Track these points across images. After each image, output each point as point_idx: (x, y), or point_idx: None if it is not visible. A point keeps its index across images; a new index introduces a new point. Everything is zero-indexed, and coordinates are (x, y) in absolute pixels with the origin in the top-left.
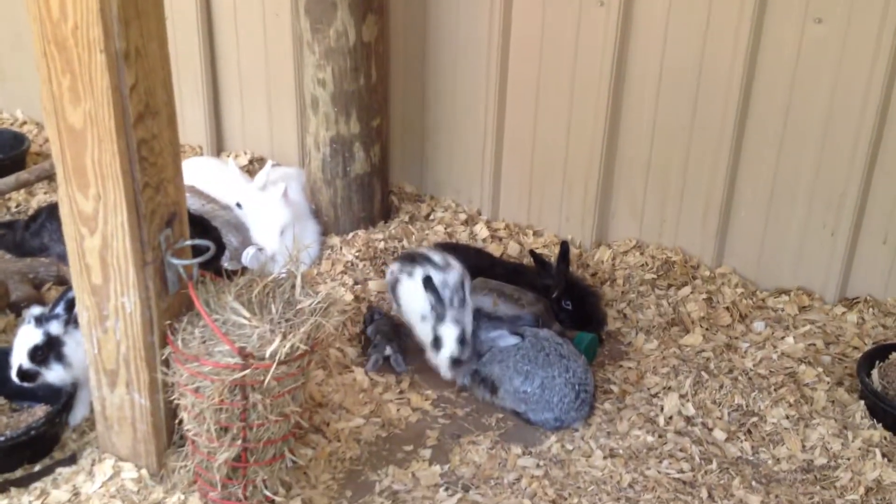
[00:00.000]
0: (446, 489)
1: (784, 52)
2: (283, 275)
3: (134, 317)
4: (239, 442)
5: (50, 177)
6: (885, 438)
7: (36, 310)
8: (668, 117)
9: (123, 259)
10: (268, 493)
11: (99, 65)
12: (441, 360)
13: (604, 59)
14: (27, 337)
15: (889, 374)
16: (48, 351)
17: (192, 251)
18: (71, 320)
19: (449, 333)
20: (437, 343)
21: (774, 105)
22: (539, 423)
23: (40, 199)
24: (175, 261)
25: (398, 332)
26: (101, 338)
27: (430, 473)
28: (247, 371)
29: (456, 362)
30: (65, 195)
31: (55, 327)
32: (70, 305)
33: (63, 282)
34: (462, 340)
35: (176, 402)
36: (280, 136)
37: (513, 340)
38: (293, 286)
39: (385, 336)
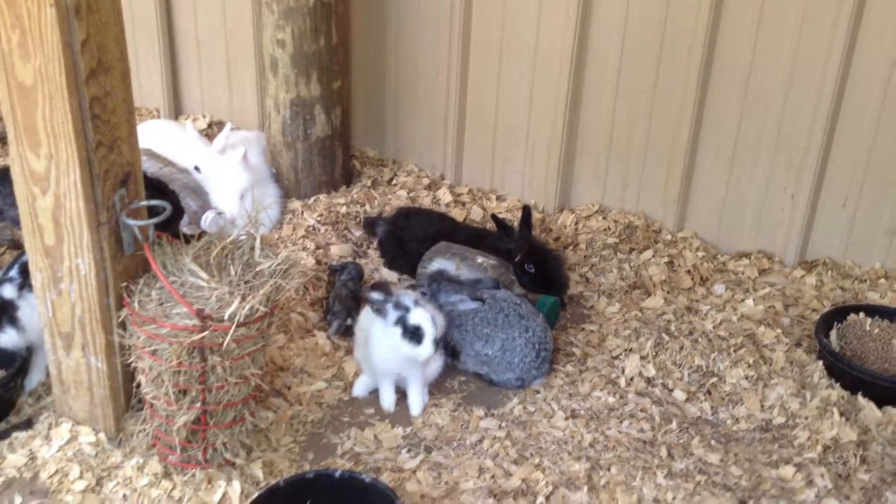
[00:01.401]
0: (409, 451)
1: (746, 15)
2: (243, 237)
3: (89, 278)
4: (198, 405)
5: (3, 139)
6: (843, 398)
7: None
8: (631, 82)
9: (77, 219)
10: (228, 456)
11: (49, 19)
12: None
13: (567, 24)
14: None
15: (847, 335)
16: (1, 315)
17: (148, 212)
18: (25, 284)
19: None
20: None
21: (736, 69)
22: (501, 384)
23: None
24: (130, 221)
25: (357, 300)
26: (56, 300)
27: (393, 436)
28: (205, 333)
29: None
30: (16, 155)
31: (8, 291)
32: (24, 269)
33: (18, 246)
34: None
35: (133, 365)
36: (239, 98)
37: (473, 305)
38: (252, 248)
39: (343, 303)
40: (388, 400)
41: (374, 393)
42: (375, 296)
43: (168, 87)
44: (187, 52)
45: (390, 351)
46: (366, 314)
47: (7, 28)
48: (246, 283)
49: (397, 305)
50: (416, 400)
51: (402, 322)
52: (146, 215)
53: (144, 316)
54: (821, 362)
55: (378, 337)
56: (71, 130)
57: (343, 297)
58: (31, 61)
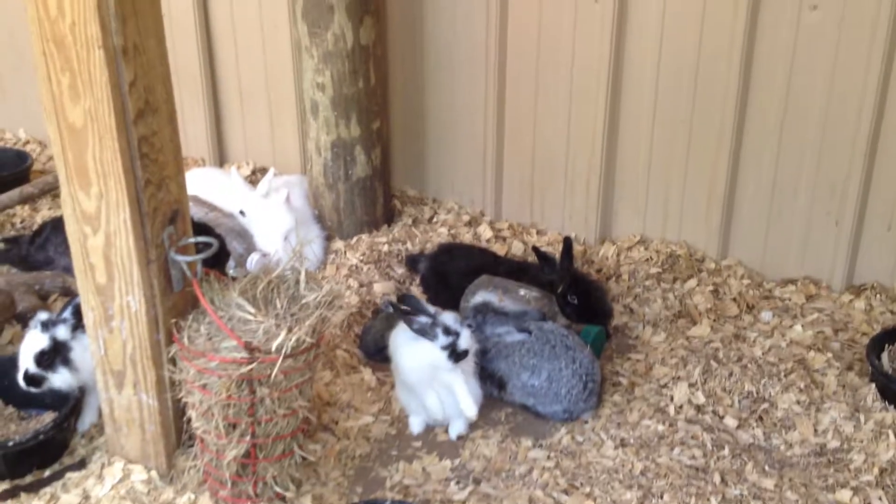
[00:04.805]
0: (457, 483)
1: (781, 40)
2: (288, 272)
3: (139, 315)
4: (248, 438)
5: (53, 190)
6: None
7: (43, 315)
8: (668, 111)
9: (127, 257)
10: (278, 490)
11: (97, 61)
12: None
13: (601, 56)
14: (34, 342)
15: None
16: (54, 356)
17: (195, 251)
18: (79, 325)
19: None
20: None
21: (774, 94)
22: (548, 416)
23: (44, 214)
24: (179, 257)
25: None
26: (107, 338)
27: (441, 468)
28: (253, 365)
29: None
30: (67, 195)
31: (62, 332)
32: (77, 311)
33: (68, 293)
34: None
35: (184, 400)
36: (282, 144)
37: (520, 337)
38: (297, 282)
39: (365, 346)
40: (435, 407)
41: (426, 427)
42: (423, 320)
43: (212, 137)
44: (230, 103)
45: (426, 365)
46: (393, 344)
47: (57, 71)
48: (292, 315)
49: (447, 331)
50: (468, 399)
51: (451, 346)
52: (194, 252)
53: (194, 350)
54: (873, 385)
55: (412, 352)
56: (120, 169)
57: (367, 341)
58: (80, 103)
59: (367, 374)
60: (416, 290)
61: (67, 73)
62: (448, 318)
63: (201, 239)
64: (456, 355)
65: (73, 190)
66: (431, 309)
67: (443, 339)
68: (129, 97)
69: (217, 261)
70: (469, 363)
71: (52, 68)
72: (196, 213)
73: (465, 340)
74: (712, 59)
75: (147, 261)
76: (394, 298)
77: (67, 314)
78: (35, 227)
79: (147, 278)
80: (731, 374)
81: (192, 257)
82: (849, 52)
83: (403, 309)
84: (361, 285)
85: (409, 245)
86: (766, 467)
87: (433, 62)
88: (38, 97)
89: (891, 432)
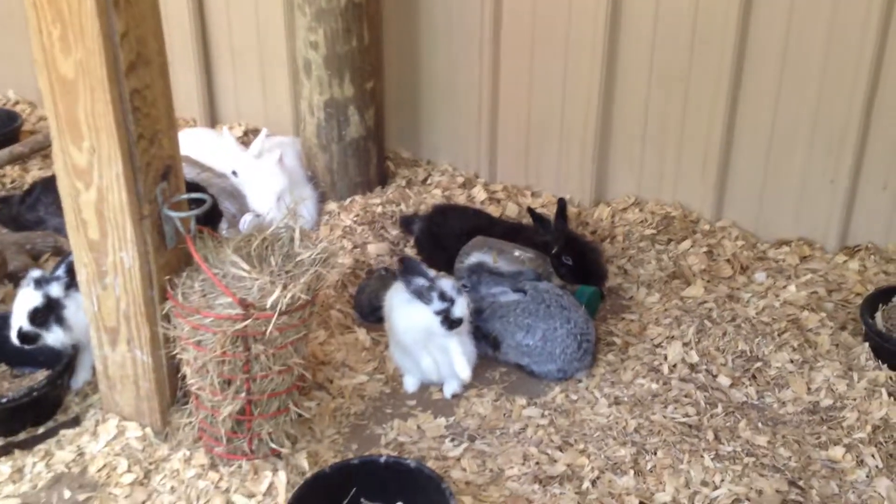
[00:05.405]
0: (452, 440)
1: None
2: (282, 230)
3: (133, 272)
4: (243, 394)
5: (43, 149)
6: (891, 378)
7: (36, 272)
8: (664, 71)
9: (120, 212)
10: (274, 446)
11: (89, 12)
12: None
13: (598, 15)
14: (27, 299)
15: (892, 316)
16: (48, 313)
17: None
18: (72, 283)
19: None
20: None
21: (770, 53)
22: (542, 375)
23: (35, 174)
24: (172, 213)
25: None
26: (101, 294)
27: (436, 426)
28: (248, 321)
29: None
30: (59, 150)
31: (55, 290)
32: (71, 268)
33: (59, 252)
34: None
35: (178, 357)
36: (274, 105)
37: (515, 297)
38: (291, 240)
39: (359, 306)
40: (430, 368)
41: (421, 386)
42: (421, 282)
43: (204, 98)
44: (222, 63)
45: (420, 328)
46: (388, 304)
47: (48, 23)
48: (287, 272)
49: (442, 296)
50: (463, 362)
51: (445, 312)
52: (187, 209)
53: (189, 307)
54: (867, 344)
55: (407, 314)
56: (112, 123)
57: (361, 303)
58: (71, 55)
59: (362, 334)
60: (410, 252)
61: (58, 24)
62: (446, 284)
63: (194, 195)
64: (450, 322)
65: (64, 144)
66: (431, 273)
67: (437, 305)
68: (121, 49)
69: (209, 221)
70: (464, 323)
71: (42, 19)
72: (188, 173)
73: (461, 308)
74: (709, 18)
75: (140, 216)
76: (389, 263)
77: (61, 272)
78: (26, 187)
79: (140, 234)
80: (724, 334)
81: (186, 213)
82: (847, 11)
83: (401, 269)
84: (355, 246)
85: (403, 206)
86: (760, 425)
87: (428, 21)
88: (29, 52)
89: (884, 390)
